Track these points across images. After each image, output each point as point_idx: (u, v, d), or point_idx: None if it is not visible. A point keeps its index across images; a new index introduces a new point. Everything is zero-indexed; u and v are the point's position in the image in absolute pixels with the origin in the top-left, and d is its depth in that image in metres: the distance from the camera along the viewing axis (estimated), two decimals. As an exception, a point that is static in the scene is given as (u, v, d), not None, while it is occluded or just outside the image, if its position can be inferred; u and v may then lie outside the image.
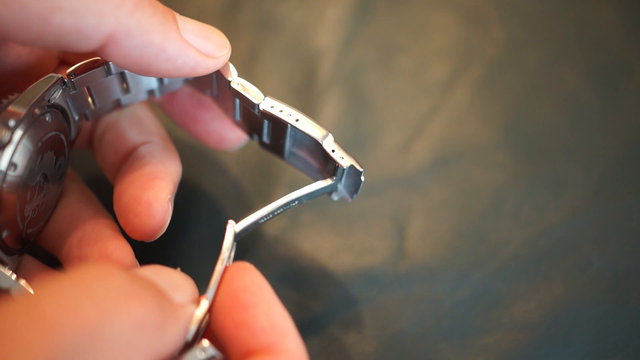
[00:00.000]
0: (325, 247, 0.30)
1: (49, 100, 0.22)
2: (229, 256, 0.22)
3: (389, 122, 0.33)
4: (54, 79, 0.22)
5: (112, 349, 0.16)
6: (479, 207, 0.31)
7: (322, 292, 0.29)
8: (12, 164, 0.21)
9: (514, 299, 0.29)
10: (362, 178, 0.24)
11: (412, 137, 0.33)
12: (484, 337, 0.28)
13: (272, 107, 0.24)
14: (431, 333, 0.28)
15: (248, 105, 0.24)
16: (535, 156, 0.33)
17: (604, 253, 0.30)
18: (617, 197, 0.32)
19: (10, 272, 0.21)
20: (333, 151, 0.24)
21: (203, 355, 0.20)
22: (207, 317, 0.21)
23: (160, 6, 0.22)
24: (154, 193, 0.23)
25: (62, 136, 0.24)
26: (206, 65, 0.23)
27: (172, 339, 0.19)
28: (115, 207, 0.24)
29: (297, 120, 0.24)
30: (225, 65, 0.24)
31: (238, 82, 0.24)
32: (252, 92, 0.24)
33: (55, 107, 0.23)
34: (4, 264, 0.22)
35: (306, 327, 0.28)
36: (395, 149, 0.33)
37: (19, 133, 0.21)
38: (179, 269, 0.21)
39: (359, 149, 0.33)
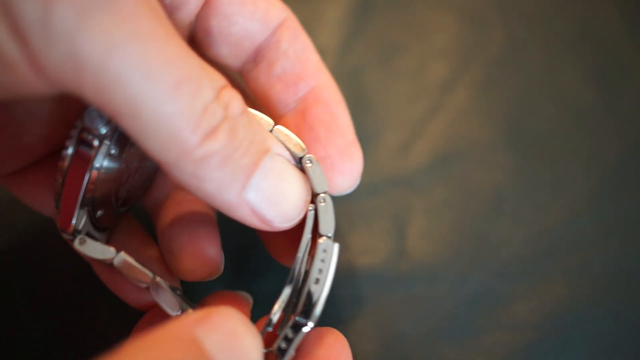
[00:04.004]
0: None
1: None
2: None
3: (389, 122, 0.33)
4: None
5: None
6: (479, 207, 0.31)
7: (322, 292, 0.29)
8: (110, 154, 0.21)
9: (514, 299, 0.29)
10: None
11: (412, 137, 0.33)
12: (484, 337, 0.28)
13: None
14: (431, 333, 0.28)
15: None
16: (535, 156, 0.33)
17: (604, 253, 0.30)
18: (617, 197, 0.32)
19: (112, 248, 0.21)
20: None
21: None
22: None
23: (244, 153, 0.19)
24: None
25: None
26: (255, 226, 0.20)
27: None
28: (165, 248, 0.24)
29: None
30: None
31: None
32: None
33: None
34: (95, 239, 0.22)
35: (306, 327, 0.28)
36: (395, 149, 0.33)
37: None
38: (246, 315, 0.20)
39: (359, 149, 0.33)
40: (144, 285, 0.21)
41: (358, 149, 0.24)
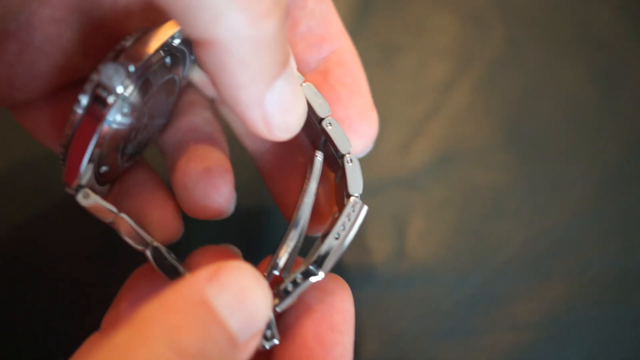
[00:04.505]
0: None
1: (171, 43, 0.21)
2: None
3: (389, 122, 0.33)
4: None
5: None
6: (479, 207, 0.31)
7: (322, 292, 0.29)
8: (123, 112, 0.20)
9: (514, 299, 0.29)
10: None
11: (412, 137, 0.33)
12: (484, 337, 0.28)
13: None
14: (431, 333, 0.28)
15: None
16: (535, 156, 0.33)
17: (604, 253, 0.30)
18: (617, 197, 0.32)
19: (114, 208, 0.21)
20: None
21: None
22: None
23: (280, 51, 0.18)
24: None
25: (177, 77, 0.23)
26: (257, 132, 0.20)
27: None
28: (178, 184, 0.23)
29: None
30: None
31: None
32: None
33: (177, 49, 0.22)
34: (97, 192, 0.22)
35: (306, 327, 0.28)
36: (395, 149, 0.33)
37: (135, 81, 0.20)
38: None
39: (359, 149, 0.33)
40: (142, 249, 0.21)
41: (375, 113, 0.24)
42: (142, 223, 0.23)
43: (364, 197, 0.31)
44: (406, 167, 0.32)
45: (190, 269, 0.23)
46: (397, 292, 0.29)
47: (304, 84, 0.22)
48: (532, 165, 0.32)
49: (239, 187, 0.24)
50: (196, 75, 0.25)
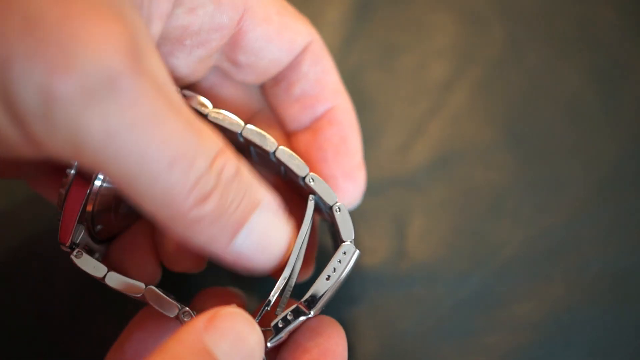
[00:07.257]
0: (325, 247, 0.30)
1: None
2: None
3: (389, 122, 0.33)
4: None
5: None
6: (479, 207, 0.31)
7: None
8: None
9: (514, 299, 0.29)
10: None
11: (412, 137, 0.33)
12: (484, 337, 0.28)
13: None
14: (431, 333, 0.28)
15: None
16: (535, 156, 0.33)
17: (604, 253, 0.30)
18: (617, 197, 0.32)
19: (104, 266, 0.22)
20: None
21: None
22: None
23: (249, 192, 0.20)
24: None
25: None
26: (238, 272, 0.22)
27: None
28: None
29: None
30: None
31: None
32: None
33: None
34: (93, 251, 0.23)
35: (306, 327, 0.28)
36: (395, 149, 0.33)
37: None
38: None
39: (359, 149, 0.33)
40: (138, 296, 0.22)
41: (362, 173, 0.26)
42: (127, 265, 0.24)
43: (365, 197, 0.31)
44: (406, 167, 0.32)
45: (197, 308, 0.23)
46: (397, 292, 0.29)
47: (279, 148, 0.23)
48: (532, 165, 0.32)
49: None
50: None
